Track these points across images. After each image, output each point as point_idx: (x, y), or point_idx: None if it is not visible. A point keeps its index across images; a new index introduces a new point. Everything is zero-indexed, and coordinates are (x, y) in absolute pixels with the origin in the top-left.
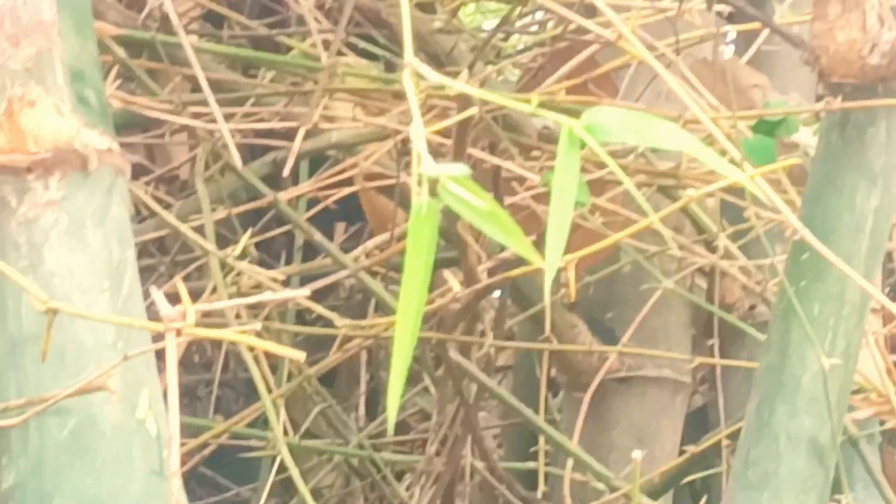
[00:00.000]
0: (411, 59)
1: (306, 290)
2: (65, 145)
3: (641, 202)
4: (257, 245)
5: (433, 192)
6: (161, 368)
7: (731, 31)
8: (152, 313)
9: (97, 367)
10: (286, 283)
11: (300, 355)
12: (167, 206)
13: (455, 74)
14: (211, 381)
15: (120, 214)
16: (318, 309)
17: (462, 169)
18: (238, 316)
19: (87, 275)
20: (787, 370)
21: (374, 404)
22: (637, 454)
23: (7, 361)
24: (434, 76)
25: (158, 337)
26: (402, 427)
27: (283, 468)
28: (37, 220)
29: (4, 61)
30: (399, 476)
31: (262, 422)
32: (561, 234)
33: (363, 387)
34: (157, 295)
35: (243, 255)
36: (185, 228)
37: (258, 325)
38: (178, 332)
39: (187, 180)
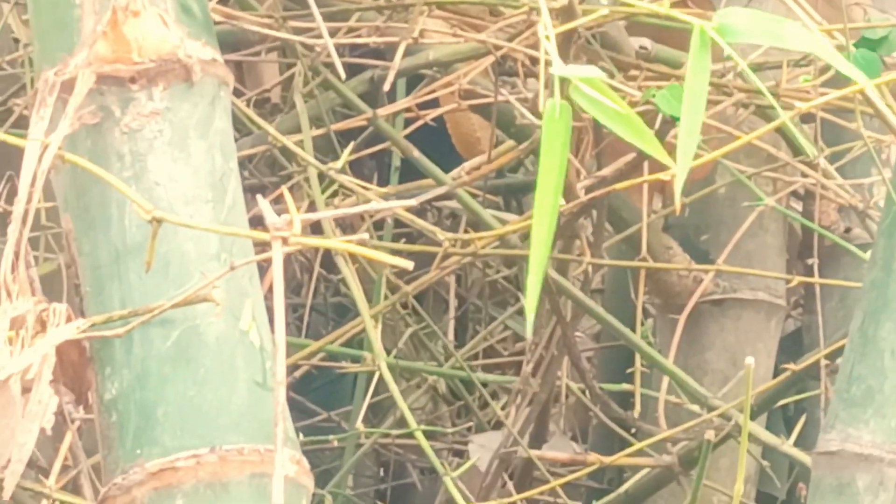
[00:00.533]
0: None
1: (413, 202)
2: (168, 55)
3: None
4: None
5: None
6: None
7: None
8: (253, 226)
9: (201, 278)
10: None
11: (408, 264)
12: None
13: None
14: (300, 305)
15: (223, 126)
16: (420, 223)
17: (595, 70)
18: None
19: (191, 185)
20: (893, 286)
21: (463, 330)
22: (750, 360)
23: (111, 272)
24: None
25: (260, 250)
26: (490, 352)
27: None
28: (140, 130)
29: None
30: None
31: (354, 344)
32: (692, 136)
33: (452, 311)
34: (264, 203)
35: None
36: (287, 141)
37: (364, 235)
38: (285, 241)
39: (277, 103)
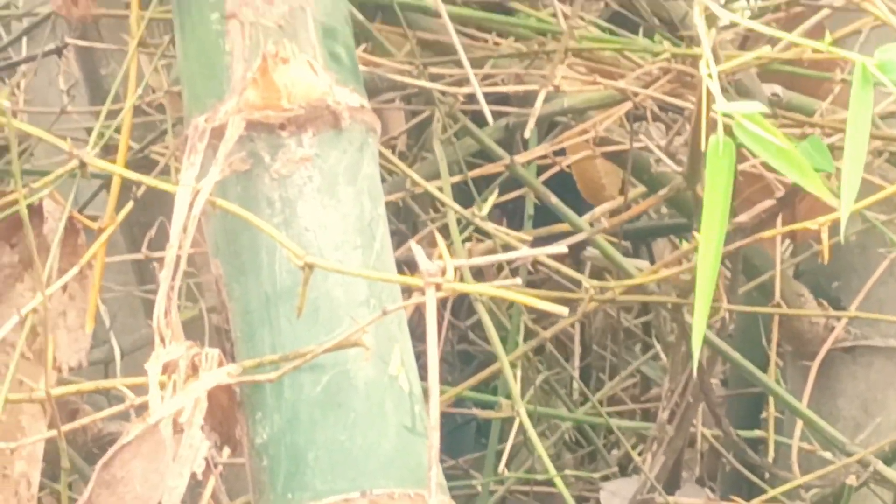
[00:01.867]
0: None
1: (563, 248)
2: (317, 102)
3: None
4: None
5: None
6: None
7: None
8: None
9: (350, 323)
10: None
11: (563, 310)
12: (392, 172)
13: (689, 38)
14: (425, 352)
15: (371, 171)
16: (566, 270)
17: (757, 106)
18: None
19: (340, 231)
20: None
21: (587, 377)
22: None
23: (261, 317)
24: (725, 13)
25: (407, 295)
26: (615, 400)
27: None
28: (290, 177)
29: (258, 18)
30: (611, 447)
31: (481, 390)
32: (856, 173)
33: (577, 358)
34: (417, 249)
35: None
36: (430, 186)
37: (518, 280)
38: (438, 287)
39: (403, 151)
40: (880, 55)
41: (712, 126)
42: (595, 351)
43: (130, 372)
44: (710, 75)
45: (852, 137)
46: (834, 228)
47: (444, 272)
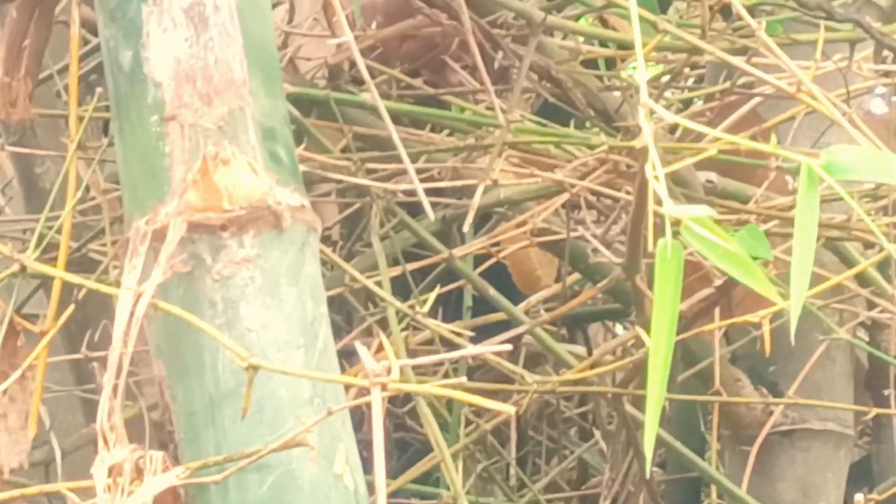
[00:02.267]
0: (647, 100)
1: (508, 346)
2: (258, 203)
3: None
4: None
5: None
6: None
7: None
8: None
9: (295, 423)
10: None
11: (510, 409)
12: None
13: (624, 129)
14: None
15: (313, 271)
16: (508, 365)
17: (705, 209)
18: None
19: (283, 331)
20: None
21: (523, 463)
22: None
23: (205, 418)
24: (668, 115)
25: (352, 394)
26: (552, 487)
27: None
28: (232, 278)
29: (198, 120)
30: None
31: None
32: (804, 273)
33: (513, 447)
34: (362, 349)
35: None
36: (371, 284)
37: (463, 379)
38: (384, 387)
39: (337, 241)
40: (826, 156)
41: (653, 222)
42: (531, 437)
43: (71, 473)
44: (655, 177)
45: (800, 239)
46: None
47: (389, 371)
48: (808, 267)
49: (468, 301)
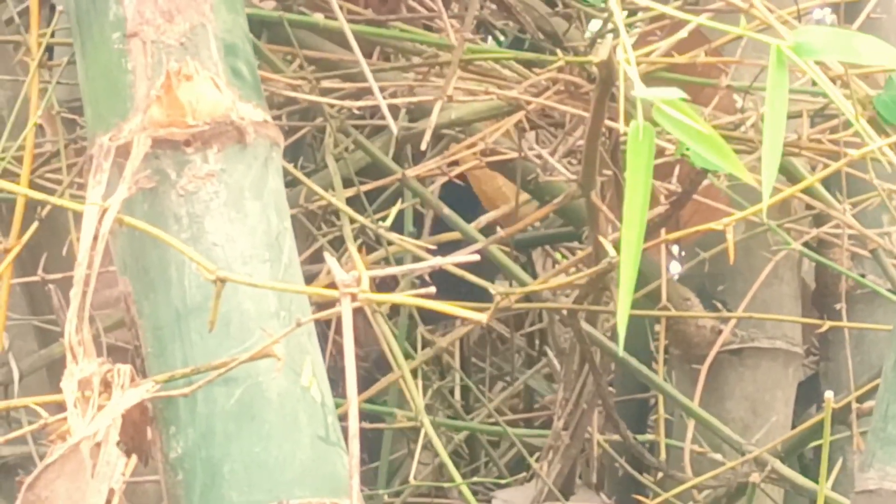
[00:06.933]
0: None
1: (475, 256)
2: (222, 118)
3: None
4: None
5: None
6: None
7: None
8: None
9: (261, 336)
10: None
11: (482, 317)
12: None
13: (574, 51)
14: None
15: (276, 186)
16: (472, 278)
17: (677, 92)
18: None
19: (248, 245)
20: None
21: (466, 394)
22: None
23: (172, 332)
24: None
25: (316, 307)
26: (498, 411)
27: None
28: (197, 193)
29: (160, 36)
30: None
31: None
32: (775, 153)
33: (458, 368)
34: (332, 261)
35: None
36: (332, 198)
37: (433, 289)
38: (353, 298)
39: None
40: (795, 37)
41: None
42: (473, 364)
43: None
44: (627, 60)
45: (771, 120)
46: (717, 237)
47: (359, 282)
48: (779, 150)
49: (409, 226)
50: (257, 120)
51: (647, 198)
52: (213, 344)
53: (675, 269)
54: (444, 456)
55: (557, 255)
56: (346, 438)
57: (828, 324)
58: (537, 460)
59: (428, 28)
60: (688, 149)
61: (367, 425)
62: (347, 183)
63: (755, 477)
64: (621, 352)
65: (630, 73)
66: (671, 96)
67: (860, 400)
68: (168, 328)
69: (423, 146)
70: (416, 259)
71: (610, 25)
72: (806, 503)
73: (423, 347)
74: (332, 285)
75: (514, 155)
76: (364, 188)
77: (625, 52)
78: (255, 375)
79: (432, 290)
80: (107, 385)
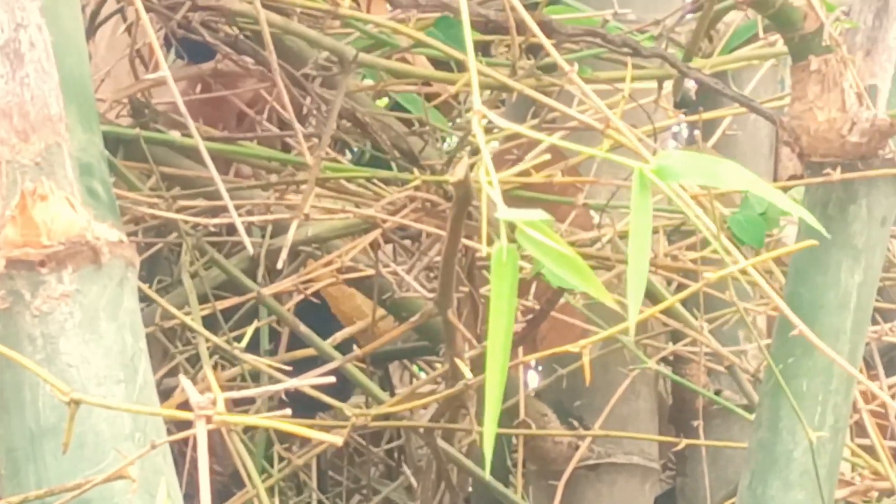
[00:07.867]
0: (480, 106)
1: (330, 379)
2: (77, 238)
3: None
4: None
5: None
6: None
7: (698, 118)
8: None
9: (116, 457)
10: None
11: (338, 440)
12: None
13: (431, 170)
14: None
15: (132, 306)
16: (328, 399)
17: (539, 214)
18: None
19: (103, 366)
20: (779, 446)
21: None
22: None
23: (26, 454)
24: (503, 122)
25: (178, 424)
26: None
27: None
28: (51, 313)
29: (15, 156)
30: None
31: None
32: (640, 279)
33: (314, 485)
34: (186, 382)
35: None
36: (187, 319)
37: (289, 411)
38: (209, 420)
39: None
40: (658, 161)
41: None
42: (331, 478)
43: None
44: (489, 182)
45: (636, 242)
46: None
47: (214, 403)
48: (644, 273)
49: (265, 344)
50: (112, 240)
51: (511, 321)
52: (68, 466)
53: (533, 380)
54: None
55: (415, 368)
56: None
57: (684, 441)
58: None
59: (286, 147)
60: (544, 267)
61: None
62: (204, 300)
63: None
64: (487, 476)
65: (492, 194)
66: (534, 217)
67: None
68: (22, 450)
69: (280, 264)
70: (273, 378)
71: (466, 144)
72: None
73: (279, 462)
74: (188, 405)
75: (371, 272)
76: (220, 305)
77: (487, 174)
78: (109, 497)
79: (288, 411)
80: None
